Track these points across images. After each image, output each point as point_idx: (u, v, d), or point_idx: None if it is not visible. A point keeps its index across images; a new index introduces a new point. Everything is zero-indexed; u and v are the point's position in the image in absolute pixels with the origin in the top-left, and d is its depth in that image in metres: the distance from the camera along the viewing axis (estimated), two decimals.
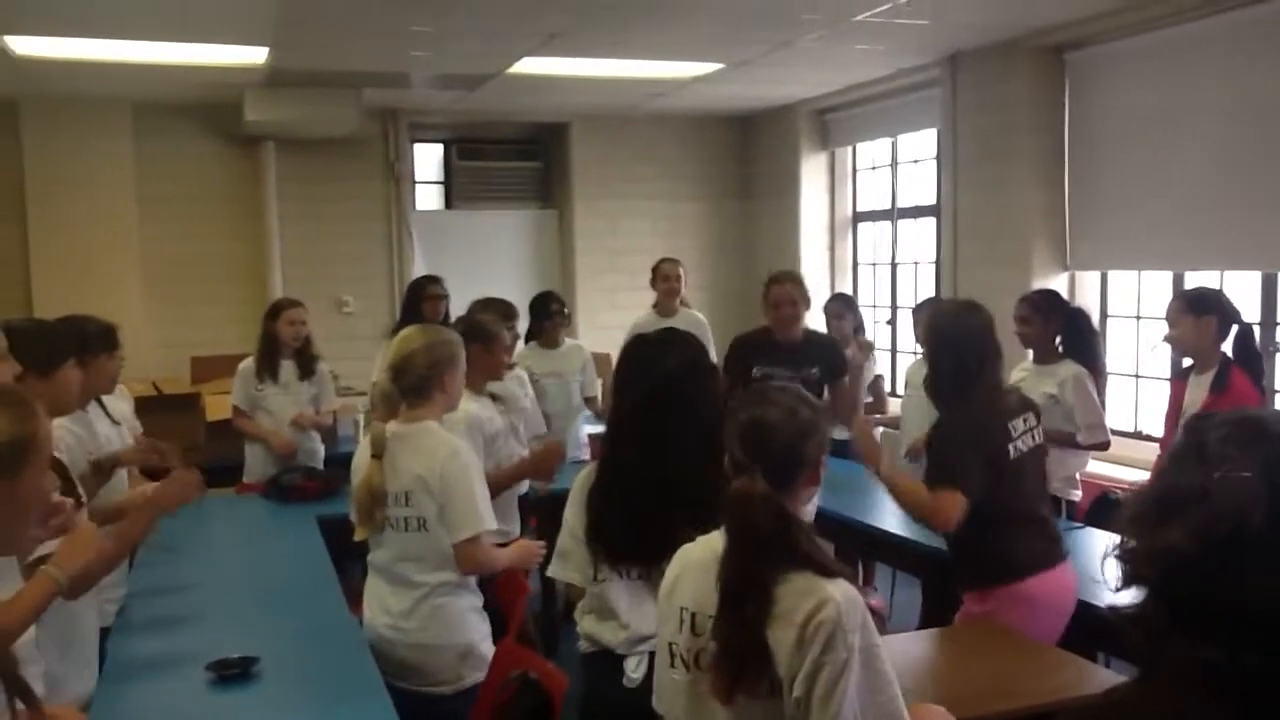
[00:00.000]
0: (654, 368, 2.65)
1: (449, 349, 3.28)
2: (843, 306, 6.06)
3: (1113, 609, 1.17)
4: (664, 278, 6.13)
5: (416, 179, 8.51)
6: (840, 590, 1.96)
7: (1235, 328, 3.96)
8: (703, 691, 2.05)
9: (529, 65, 6.31)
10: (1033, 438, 3.25)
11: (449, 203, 8.65)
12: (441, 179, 8.74)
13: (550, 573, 2.83)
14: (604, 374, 5.95)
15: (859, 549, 5.21)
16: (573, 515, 2.75)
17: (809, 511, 4.52)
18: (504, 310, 4.73)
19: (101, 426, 3.63)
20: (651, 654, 2.42)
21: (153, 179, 7.48)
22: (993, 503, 3.10)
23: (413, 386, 3.21)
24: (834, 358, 4.83)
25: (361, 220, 8.03)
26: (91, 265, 7.15)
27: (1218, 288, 4.39)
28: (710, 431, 2.40)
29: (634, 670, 2.62)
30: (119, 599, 3.36)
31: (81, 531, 2.32)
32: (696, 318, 6.04)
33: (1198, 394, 3.92)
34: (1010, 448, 3.15)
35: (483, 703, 3.06)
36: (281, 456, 5.10)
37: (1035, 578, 3.13)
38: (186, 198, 7.62)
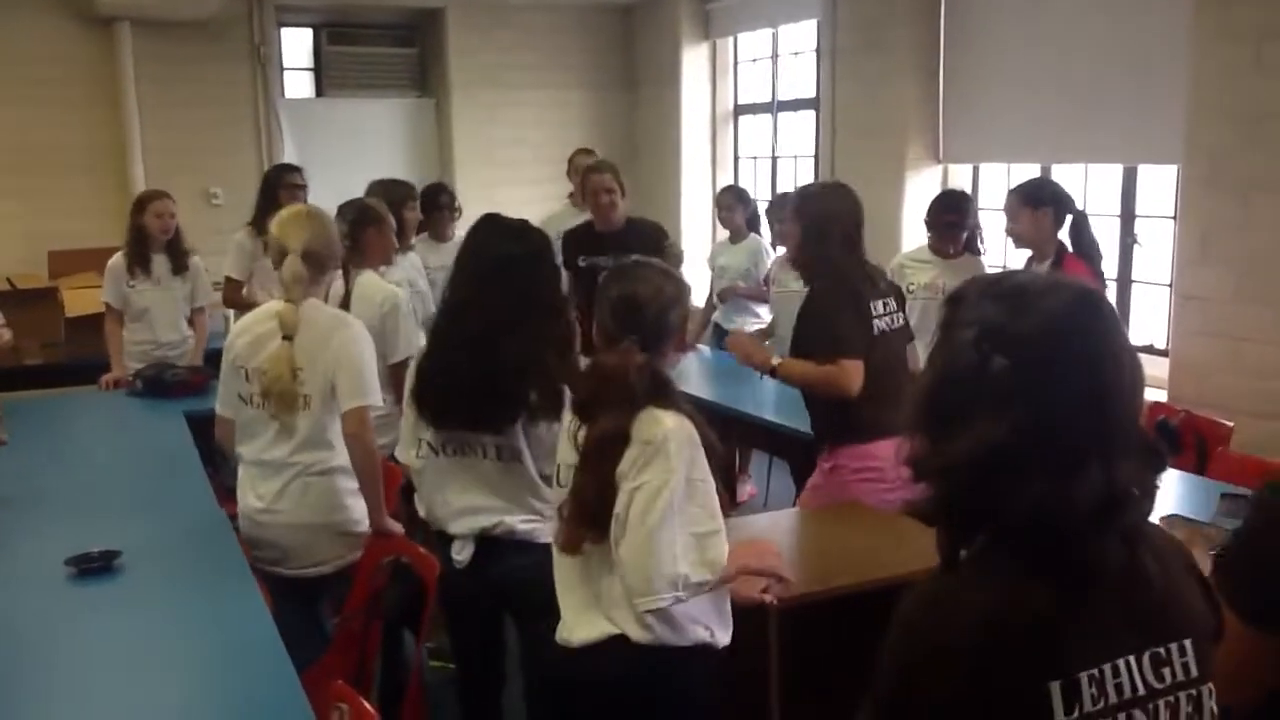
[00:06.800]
0: (498, 250, 2.73)
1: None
2: (733, 199, 6.07)
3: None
4: (577, 169, 6.00)
5: (285, 65, 8.15)
6: (674, 420, 2.11)
7: (1070, 217, 3.99)
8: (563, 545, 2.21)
9: None
10: (894, 320, 3.37)
11: (320, 90, 8.31)
12: (312, 65, 8.38)
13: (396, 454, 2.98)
14: None
15: (733, 438, 5.32)
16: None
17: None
18: (406, 190, 4.81)
19: None
20: (475, 537, 2.74)
21: None
22: None
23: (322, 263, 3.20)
24: (656, 243, 4.87)
25: (228, 108, 7.67)
26: None
27: (1050, 177, 4.34)
28: (542, 318, 2.63)
29: (459, 553, 2.79)
30: None
31: None
32: None
33: None
34: (873, 324, 3.26)
35: (357, 589, 3.06)
36: (115, 384, 4.92)
37: (883, 442, 3.12)
38: (36, 81, 7.13)
